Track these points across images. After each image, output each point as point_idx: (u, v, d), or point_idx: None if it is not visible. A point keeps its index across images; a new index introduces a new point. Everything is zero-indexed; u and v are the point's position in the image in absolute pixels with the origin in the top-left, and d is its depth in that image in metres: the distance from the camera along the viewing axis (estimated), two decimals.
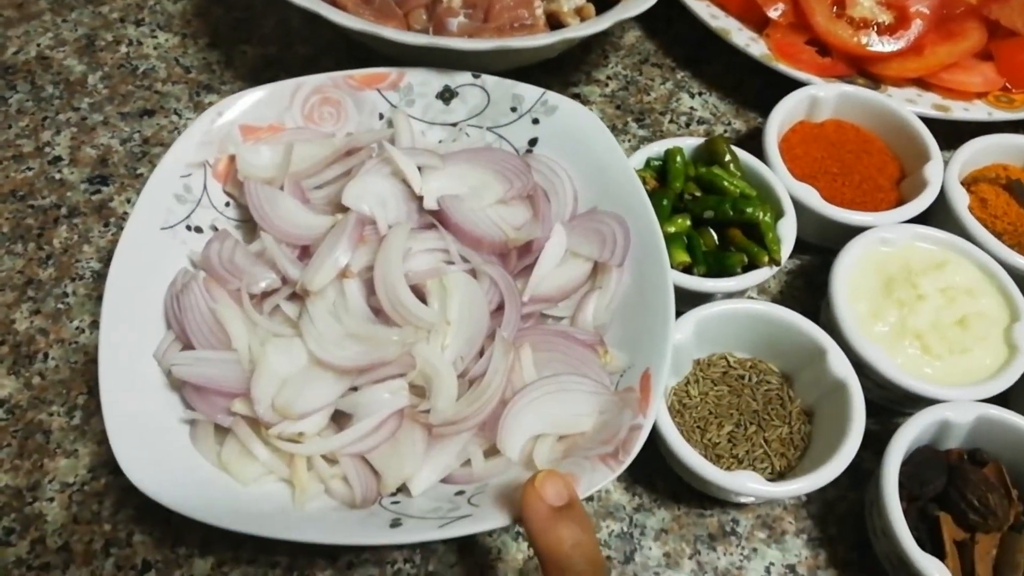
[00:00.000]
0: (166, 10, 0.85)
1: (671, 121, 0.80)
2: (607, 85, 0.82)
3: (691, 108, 0.81)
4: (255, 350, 0.53)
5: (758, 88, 0.83)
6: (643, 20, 0.87)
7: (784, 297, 0.70)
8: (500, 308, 0.57)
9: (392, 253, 0.56)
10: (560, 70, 0.82)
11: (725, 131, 0.80)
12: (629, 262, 0.59)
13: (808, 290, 0.70)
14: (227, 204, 0.62)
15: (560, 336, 0.56)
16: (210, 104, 0.78)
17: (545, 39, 0.63)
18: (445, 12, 0.69)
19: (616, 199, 0.62)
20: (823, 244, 0.70)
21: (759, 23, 0.79)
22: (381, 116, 0.67)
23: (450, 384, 0.53)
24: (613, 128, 0.79)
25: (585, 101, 0.81)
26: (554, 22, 0.69)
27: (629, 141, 0.78)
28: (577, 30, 0.64)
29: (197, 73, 0.80)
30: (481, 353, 0.55)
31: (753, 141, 0.76)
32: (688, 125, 0.80)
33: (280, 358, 0.53)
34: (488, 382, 0.53)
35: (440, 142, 0.67)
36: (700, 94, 0.83)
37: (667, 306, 0.55)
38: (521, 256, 0.60)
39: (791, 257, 0.71)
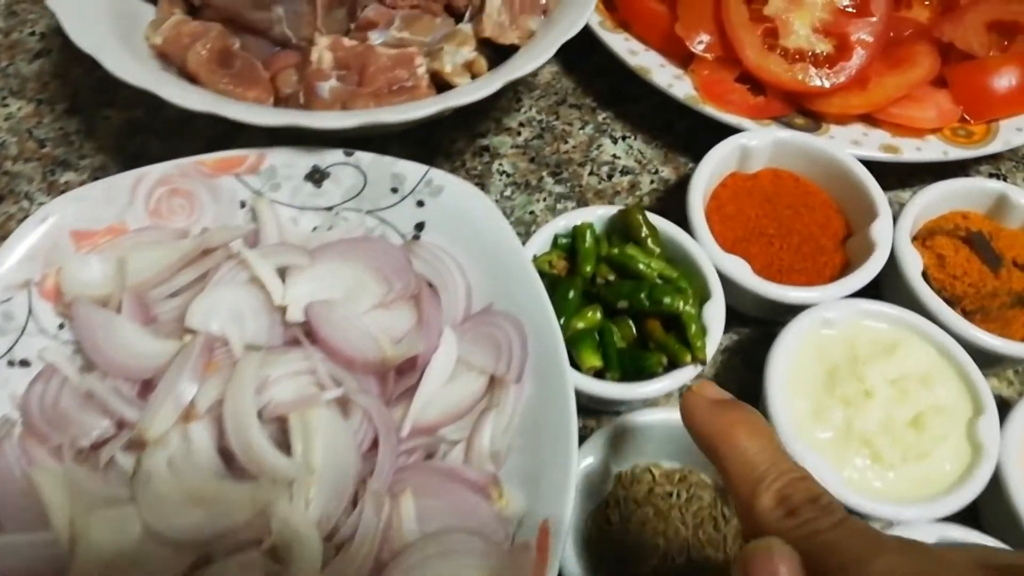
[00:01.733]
0: (20, 72, 0.75)
1: (591, 173, 0.71)
2: (519, 134, 0.73)
3: (614, 156, 0.72)
4: (78, 524, 0.45)
5: (689, 128, 0.74)
6: (560, 53, 0.77)
7: (721, 379, 0.61)
8: (377, 445, 0.48)
9: (242, 389, 0.47)
10: (466, 119, 0.72)
11: (652, 181, 0.71)
12: (529, 373, 0.51)
13: (747, 368, 0.62)
14: (61, 326, 0.53)
15: (447, 478, 0.48)
16: (65, 185, 0.69)
17: (420, 110, 0.54)
18: (314, 75, 0.59)
19: (512, 296, 0.53)
20: (762, 317, 0.62)
21: (685, 57, 0.70)
22: (243, 204, 0.58)
23: (312, 552, 0.44)
24: (527, 185, 0.70)
25: (495, 155, 0.71)
26: (441, 80, 0.60)
27: (544, 200, 0.69)
28: (462, 95, 0.55)
29: (53, 147, 0.70)
30: (356, 502, 0.47)
31: (682, 191, 0.68)
32: (611, 177, 0.71)
33: (106, 532, 0.44)
34: (358, 547, 0.45)
35: (315, 229, 0.58)
36: (624, 138, 0.74)
37: (568, 438, 0.47)
38: (403, 372, 0.52)
39: (728, 331, 0.63)
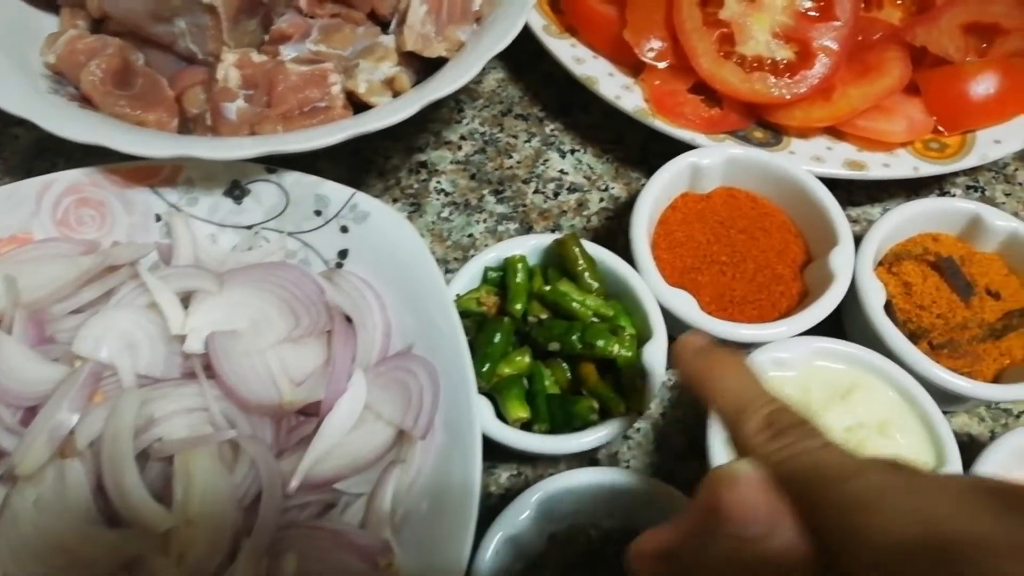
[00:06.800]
0: None
1: (536, 191, 0.66)
2: (460, 148, 0.68)
3: (561, 172, 0.67)
4: None
5: (642, 140, 0.69)
6: (506, 58, 0.72)
7: (667, 420, 0.57)
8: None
9: (120, 428, 0.44)
10: (401, 133, 0.67)
11: (601, 199, 0.66)
12: (440, 428, 0.47)
13: (697, 408, 0.57)
14: None
15: (335, 543, 0.44)
16: None
17: (324, 137, 0.49)
18: (221, 95, 0.54)
19: (430, 342, 0.49)
20: None
21: (636, 65, 0.65)
22: (159, 218, 0.53)
23: None
24: (466, 205, 0.65)
25: (433, 171, 0.66)
26: (358, 99, 0.55)
27: (485, 221, 0.64)
28: (374, 120, 0.50)
29: None
30: (234, 556, 0.43)
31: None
32: (557, 195, 0.66)
33: None
34: None
35: (234, 248, 0.54)
36: (572, 152, 0.68)
37: (467, 515, 0.43)
38: (308, 414, 0.48)
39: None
